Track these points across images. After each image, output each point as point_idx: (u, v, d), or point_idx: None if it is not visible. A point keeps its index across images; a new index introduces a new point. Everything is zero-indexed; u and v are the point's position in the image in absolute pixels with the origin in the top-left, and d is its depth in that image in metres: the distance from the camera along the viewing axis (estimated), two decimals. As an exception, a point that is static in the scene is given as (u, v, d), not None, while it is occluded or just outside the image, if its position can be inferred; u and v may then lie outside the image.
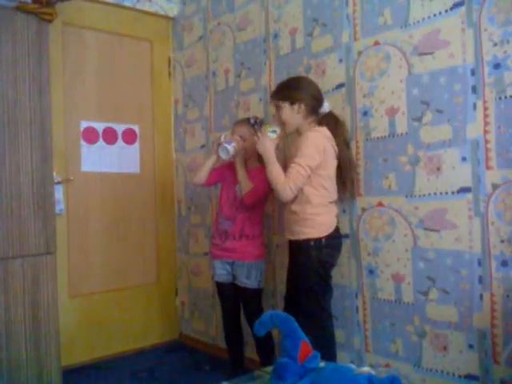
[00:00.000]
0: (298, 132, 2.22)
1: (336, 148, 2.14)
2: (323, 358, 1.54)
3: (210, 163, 2.55)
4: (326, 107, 2.21)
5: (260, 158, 2.47)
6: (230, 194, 2.56)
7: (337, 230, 2.17)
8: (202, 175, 2.56)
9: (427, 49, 1.99)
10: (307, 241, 2.10)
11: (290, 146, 2.35)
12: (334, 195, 2.18)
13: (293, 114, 2.17)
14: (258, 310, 2.51)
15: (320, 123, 2.18)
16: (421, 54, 2.02)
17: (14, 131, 2.41)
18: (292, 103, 2.16)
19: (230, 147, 2.39)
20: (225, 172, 2.62)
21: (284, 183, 2.05)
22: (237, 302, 2.59)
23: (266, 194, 2.48)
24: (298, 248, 2.14)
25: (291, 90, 2.18)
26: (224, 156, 2.42)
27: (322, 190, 2.11)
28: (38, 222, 2.46)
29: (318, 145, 2.06)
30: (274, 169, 2.10)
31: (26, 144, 2.45)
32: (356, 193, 2.25)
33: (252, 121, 2.50)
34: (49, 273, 2.48)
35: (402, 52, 2.08)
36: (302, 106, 2.15)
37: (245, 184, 2.44)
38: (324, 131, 2.13)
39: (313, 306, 2.13)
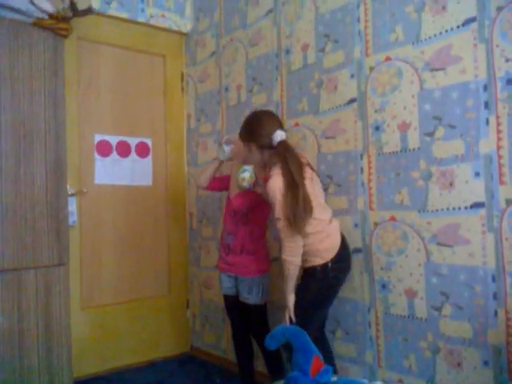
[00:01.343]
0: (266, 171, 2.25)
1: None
2: None
3: (212, 167, 2.59)
4: (276, 137, 2.18)
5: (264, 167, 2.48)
6: (232, 208, 2.56)
7: (343, 248, 2.16)
8: (204, 178, 2.60)
9: (439, 64, 2.01)
10: (313, 267, 2.12)
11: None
12: (326, 215, 2.17)
13: (248, 153, 2.29)
14: (262, 324, 2.50)
15: (277, 155, 2.17)
16: (432, 70, 2.03)
17: (29, 144, 2.46)
18: (245, 144, 2.29)
19: (227, 148, 2.45)
20: (228, 182, 2.63)
21: (286, 251, 2.07)
22: (244, 315, 2.59)
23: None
24: (305, 273, 2.17)
25: (243, 132, 2.32)
26: (221, 157, 2.52)
27: (311, 221, 2.08)
28: (52, 234, 2.49)
29: (282, 190, 2.06)
30: (290, 281, 2.13)
31: (40, 156, 2.49)
32: (303, 231, 2.07)
33: None
34: (61, 284, 2.50)
35: (413, 68, 2.10)
36: (253, 147, 2.25)
37: None
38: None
39: (297, 319, 2.11)
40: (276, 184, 2.07)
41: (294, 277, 2.11)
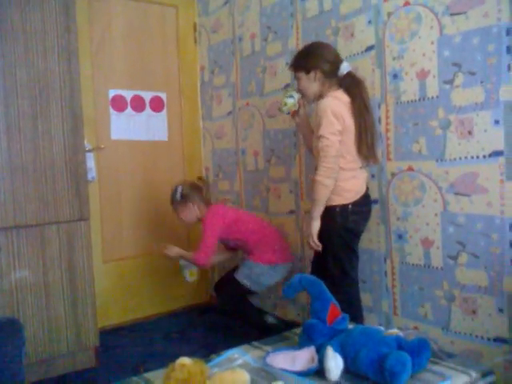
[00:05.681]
0: (320, 98, 2.16)
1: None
2: None
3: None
4: (344, 68, 2.11)
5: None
6: None
7: (366, 196, 2.16)
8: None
9: (460, 8, 1.93)
10: (333, 207, 2.09)
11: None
12: (360, 161, 2.15)
13: (310, 82, 2.14)
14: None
15: (340, 85, 2.13)
16: (453, 14, 1.95)
17: (45, 100, 2.45)
18: (307, 72, 2.13)
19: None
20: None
21: (321, 172, 2.02)
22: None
23: (216, 238, 2.81)
24: (325, 214, 2.11)
25: (305, 58, 2.14)
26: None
27: (346, 156, 2.08)
28: (72, 190, 2.52)
29: (334, 110, 2.01)
30: (318, 206, 2.08)
31: (57, 113, 2.49)
32: (377, 157, 2.16)
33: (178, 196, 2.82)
34: (83, 238, 2.55)
35: (433, 12, 2.02)
36: (318, 73, 2.11)
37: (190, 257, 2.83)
38: (340, 96, 2.08)
39: (336, 271, 2.13)
40: (328, 102, 2.04)
41: (324, 201, 2.06)
